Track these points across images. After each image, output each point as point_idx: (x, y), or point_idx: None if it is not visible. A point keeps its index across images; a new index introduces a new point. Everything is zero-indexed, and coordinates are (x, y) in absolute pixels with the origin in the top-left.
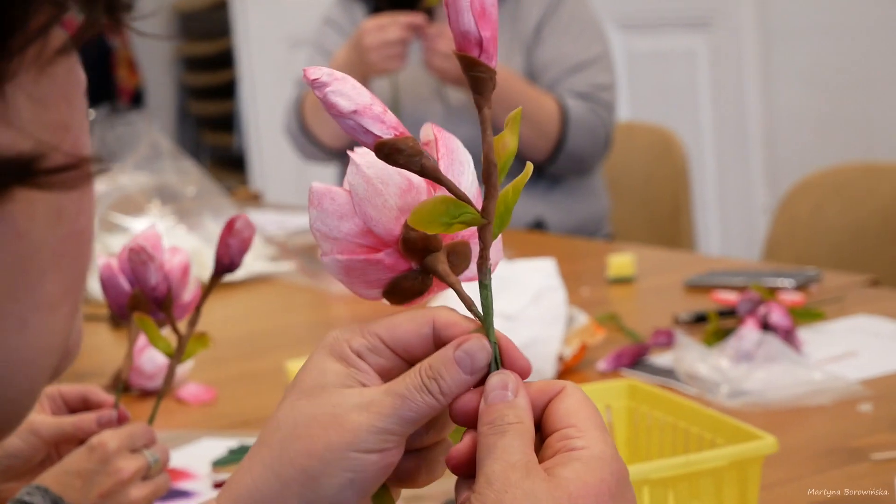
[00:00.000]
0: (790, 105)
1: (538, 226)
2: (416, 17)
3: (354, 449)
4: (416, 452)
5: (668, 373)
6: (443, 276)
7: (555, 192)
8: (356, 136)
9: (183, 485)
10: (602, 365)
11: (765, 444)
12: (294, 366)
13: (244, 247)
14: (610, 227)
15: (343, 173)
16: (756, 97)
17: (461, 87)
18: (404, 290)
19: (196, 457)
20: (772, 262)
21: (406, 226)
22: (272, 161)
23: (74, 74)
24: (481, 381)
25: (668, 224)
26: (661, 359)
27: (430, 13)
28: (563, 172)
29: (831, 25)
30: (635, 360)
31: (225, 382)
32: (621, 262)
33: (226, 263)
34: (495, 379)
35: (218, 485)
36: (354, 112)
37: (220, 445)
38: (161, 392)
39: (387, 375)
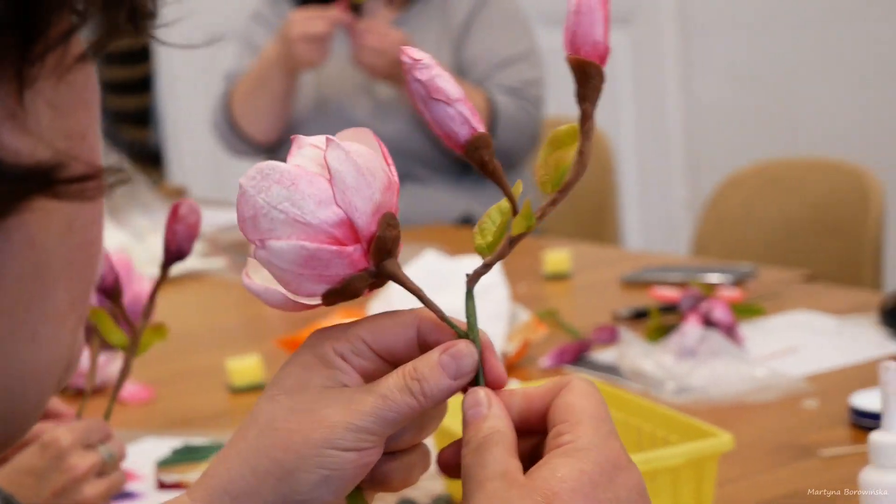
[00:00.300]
0: (710, 100)
1: (467, 221)
2: (343, 13)
3: (331, 446)
4: (391, 455)
5: (611, 369)
6: (403, 282)
7: (484, 187)
8: (449, 123)
9: (126, 485)
10: (544, 362)
11: (721, 442)
12: (234, 364)
13: (192, 232)
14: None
15: None
16: (676, 92)
17: (389, 83)
18: (352, 291)
19: (138, 457)
20: (702, 258)
21: (384, 223)
22: (190, 156)
23: (92, 83)
24: (464, 389)
25: (593, 219)
26: (603, 355)
27: (356, 9)
28: None
29: (751, 21)
30: (577, 356)
31: (163, 381)
32: (557, 258)
33: (174, 251)
34: (468, 399)
35: (163, 485)
36: (458, 100)
37: (163, 445)
38: (116, 387)
39: (369, 378)
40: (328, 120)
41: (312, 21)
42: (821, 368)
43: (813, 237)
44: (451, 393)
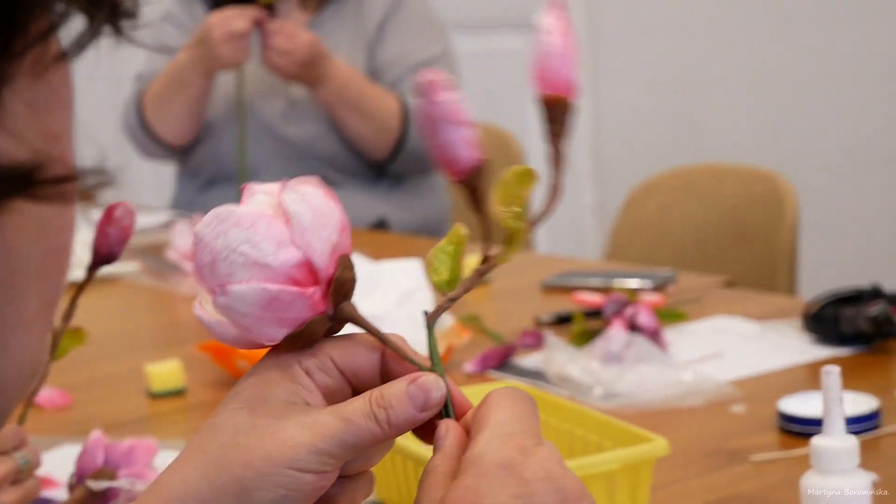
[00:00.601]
0: (618, 106)
1: (381, 225)
2: (261, 11)
3: (292, 466)
4: (339, 480)
5: (536, 374)
6: (362, 323)
7: (397, 191)
8: (457, 147)
9: (43, 492)
10: (469, 367)
11: (657, 447)
12: (154, 369)
13: (124, 236)
14: (450, 227)
15: (188, 171)
16: (584, 98)
17: (300, 84)
18: (310, 335)
19: (56, 463)
20: (618, 263)
21: (341, 264)
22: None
23: (68, 83)
24: (429, 422)
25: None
26: (527, 360)
27: (270, 8)
28: (405, 171)
29: (660, 26)
30: (502, 361)
31: (79, 387)
32: (475, 263)
33: (104, 254)
34: (439, 431)
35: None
36: (468, 124)
37: None
38: (32, 391)
39: (331, 397)
40: (246, 115)
41: (233, 20)
42: (746, 373)
43: (728, 243)
44: (416, 424)
